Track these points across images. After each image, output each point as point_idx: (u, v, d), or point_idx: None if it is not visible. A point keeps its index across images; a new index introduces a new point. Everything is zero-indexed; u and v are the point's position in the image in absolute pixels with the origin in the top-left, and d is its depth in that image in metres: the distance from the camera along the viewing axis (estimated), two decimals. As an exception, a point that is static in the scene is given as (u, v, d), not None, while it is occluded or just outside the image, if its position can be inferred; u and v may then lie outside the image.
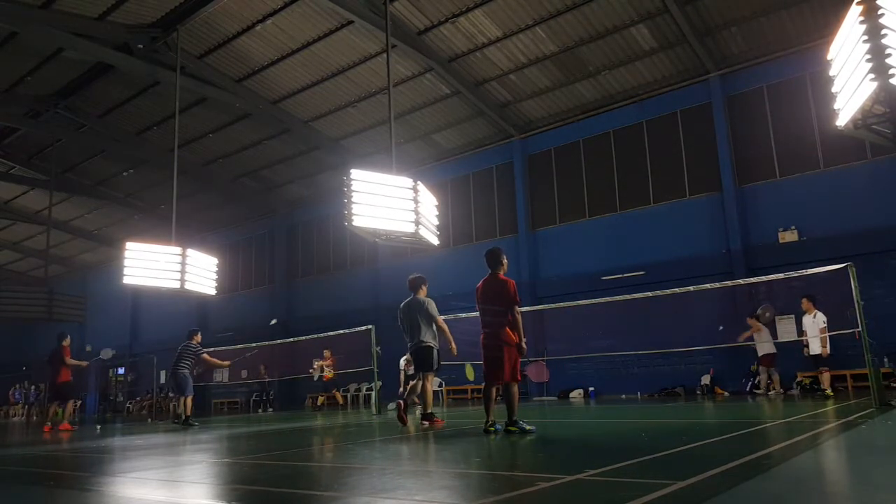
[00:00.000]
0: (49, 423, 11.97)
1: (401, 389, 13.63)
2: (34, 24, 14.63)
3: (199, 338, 12.31)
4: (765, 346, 12.57)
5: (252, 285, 26.24)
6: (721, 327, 13.61)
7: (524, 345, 6.28)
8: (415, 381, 8.41)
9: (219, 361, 13.42)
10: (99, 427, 11.88)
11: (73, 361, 12.67)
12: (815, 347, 11.05)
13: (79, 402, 13.21)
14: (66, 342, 12.50)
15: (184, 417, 11.65)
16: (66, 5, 14.64)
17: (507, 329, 6.19)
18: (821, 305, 11.18)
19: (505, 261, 6.51)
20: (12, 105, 19.31)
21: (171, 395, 13.03)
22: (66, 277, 33.04)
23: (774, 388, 12.51)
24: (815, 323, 11.04)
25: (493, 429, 6.15)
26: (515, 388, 6.27)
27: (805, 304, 11.26)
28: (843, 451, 4.40)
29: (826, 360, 11.03)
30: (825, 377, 11.06)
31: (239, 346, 19.16)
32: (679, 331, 13.71)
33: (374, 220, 9.74)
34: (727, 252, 15.13)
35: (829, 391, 10.88)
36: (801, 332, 11.74)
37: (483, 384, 6.60)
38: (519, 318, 6.22)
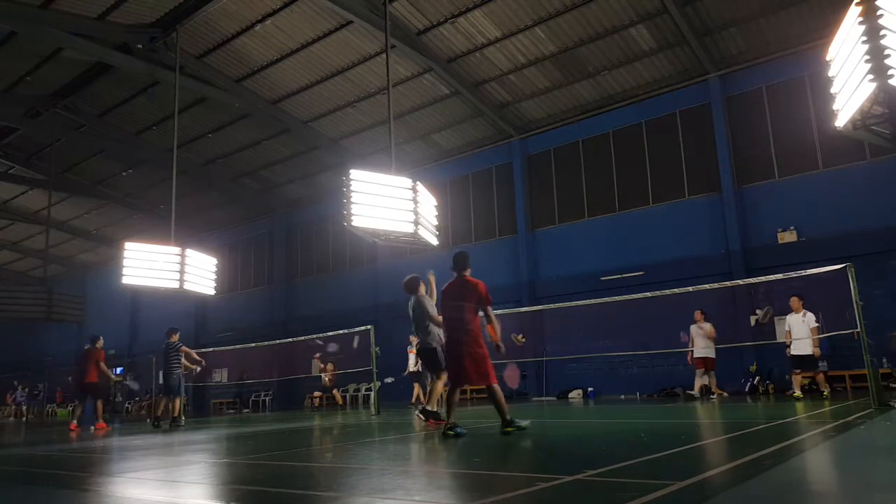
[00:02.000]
0: (101, 421, 12.22)
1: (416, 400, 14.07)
2: (34, 24, 14.63)
3: (177, 336, 12.50)
4: (704, 351, 12.53)
5: (251, 285, 26.23)
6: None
7: (501, 344, 6.29)
8: (432, 385, 8.44)
9: (196, 356, 13.16)
10: (93, 429, 11.82)
11: (106, 369, 12.87)
12: (805, 347, 10.92)
13: (77, 402, 13.23)
14: (100, 344, 12.68)
15: (155, 417, 12.19)
16: (65, 5, 14.64)
17: (480, 330, 6.20)
18: (820, 306, 11.15)
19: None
20: (12, 105, 19.29)
21: (161, 395, 13.19)
22: (65, 277, 33.02)
23: (717, 392, 12.60)
24: (805, 322, 10.94)
25: (452, 432, 6.08)
26: (498, 387, 6.22)
27: (795, 302, 11.04)
28: (843, 451, 4.40)
29: (817, 360, 10.98)
30: (820, 378, 11.11)
31: (238, 346, 19.21)
32: (678, 331, 13.71)
33: (374, 221, 9.75)
34: (726, 252, 15.14)
35: (826, 391, 10.92)
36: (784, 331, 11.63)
37: (448, 386, 6.56)
38: (494, 318, 6.25)
